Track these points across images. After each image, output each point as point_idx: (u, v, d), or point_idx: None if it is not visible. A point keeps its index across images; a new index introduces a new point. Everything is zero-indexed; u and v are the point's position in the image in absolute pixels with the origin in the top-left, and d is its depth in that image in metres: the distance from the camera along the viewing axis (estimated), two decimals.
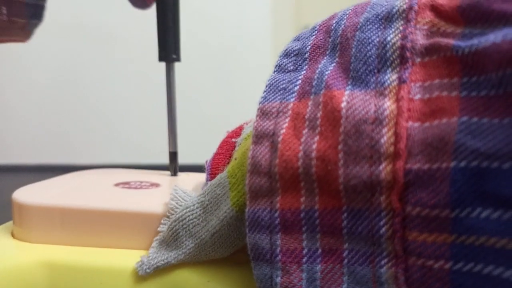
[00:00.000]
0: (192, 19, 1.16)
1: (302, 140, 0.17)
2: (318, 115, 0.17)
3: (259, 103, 0.19)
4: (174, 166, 0.34)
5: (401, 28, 0.17)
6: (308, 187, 0.17)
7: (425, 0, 0.18)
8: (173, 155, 0.34)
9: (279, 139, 0.18)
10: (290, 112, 0.18)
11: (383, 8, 0.18)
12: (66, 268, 0.22)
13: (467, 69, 0.15)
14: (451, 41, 0.16)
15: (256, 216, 0.18)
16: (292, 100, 0.19)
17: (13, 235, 0.25)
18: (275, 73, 0.20)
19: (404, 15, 0.18)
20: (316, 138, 0.17)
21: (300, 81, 0.19)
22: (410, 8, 0.18)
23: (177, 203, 0.22)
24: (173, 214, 0.22)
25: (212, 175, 0.24)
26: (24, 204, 0.24)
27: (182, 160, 0.35)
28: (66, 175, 0.32)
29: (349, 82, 0.18)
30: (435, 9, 0.17)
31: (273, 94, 0.19)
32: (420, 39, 0.17)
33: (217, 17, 1.22)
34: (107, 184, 0.28)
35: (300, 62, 0.20)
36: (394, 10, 0.18)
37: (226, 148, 0.25)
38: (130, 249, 0.23)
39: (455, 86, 0.15)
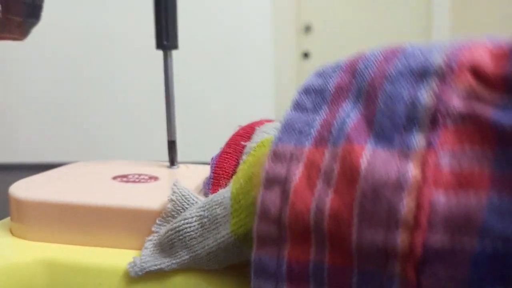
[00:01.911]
0: (192, 18, 1.16)
1: (316, 193, 0.16)
2: (335, 168, 0.16)
3: (273, 144, 0.18)
4: (172, 156, 0.33)
5: (435, 88, 0.16)
6: (318, 240, 0.16)
7: (466, 59, 0.16)
8: (172, 144, 0.34)
9: (291, 187, 0.17)
10: (304, 159, 0.17)
11: (418, 62, 0.17)
12: (65, 267, 0.22)
13: (504, 144, 0.14)
14: (489, 112, 0.15)
15: (263, 264, 0.17)
16: (307, 145, 0.18)
17: (11, 232, 0.25)
18: (293, 111, 0.19)
19: (440, 73, 0.16)
20: (331, 194, 0.16)
21: (318, 125, 0.18)
22: (448, 67, 0.16)
23: (174, 206, 0.22)
24: (168, 217, 0.22)
25: (215, 174, 0.24)
26: (21, 200, 0.24)
27: (182, 159, 0.35)
28: (64, 167, 0.31)
29: (371, 136, 0.16)
30: (476, 72, 0.16)
31: (288, 136, 0.18)
32: (455, 102, 0.15)
33: (217, 16, 1.23)
34: (105, 178, 0.28)
35: (319, 102, 0.19)
36: (431, 67, 0.16)
37: (234, 149, 0.25)
38: (129, 249, 0.23)
39: (488, 158, 0.14)
